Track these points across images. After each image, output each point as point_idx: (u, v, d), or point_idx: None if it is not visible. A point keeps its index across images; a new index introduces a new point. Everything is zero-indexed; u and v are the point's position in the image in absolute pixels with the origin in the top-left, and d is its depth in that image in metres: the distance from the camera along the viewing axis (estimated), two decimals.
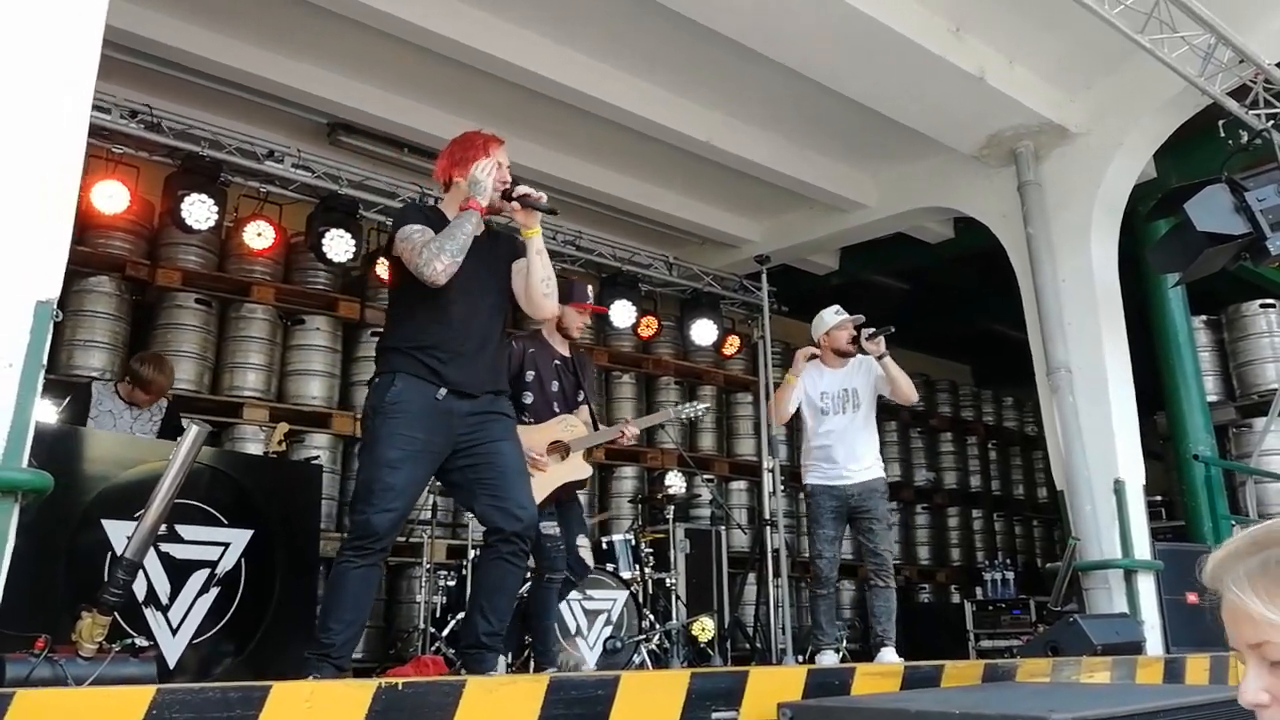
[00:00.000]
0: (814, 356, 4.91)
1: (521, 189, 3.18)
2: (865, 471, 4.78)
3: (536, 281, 3.18)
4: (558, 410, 4.21)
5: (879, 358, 4.75)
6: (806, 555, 8.41)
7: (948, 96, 5.79)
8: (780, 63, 5.46)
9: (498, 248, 3.27)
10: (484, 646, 3.06)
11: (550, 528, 4.04)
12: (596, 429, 4.36)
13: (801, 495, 8.60)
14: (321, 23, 5.31)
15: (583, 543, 4.23)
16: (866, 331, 4.77)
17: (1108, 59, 5.73)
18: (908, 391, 4.82)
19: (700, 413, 4.93)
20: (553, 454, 4.10)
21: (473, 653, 3.06)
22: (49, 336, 2.30)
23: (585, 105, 5.97)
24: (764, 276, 5.20)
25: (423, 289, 3.01)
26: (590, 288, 4.45)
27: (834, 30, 5.14)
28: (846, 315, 4.86)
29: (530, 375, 4.17)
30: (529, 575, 4.05)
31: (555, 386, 4.23)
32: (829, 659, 4.62)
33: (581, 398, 4.33)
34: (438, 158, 3.34)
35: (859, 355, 4.84)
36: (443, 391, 3.04)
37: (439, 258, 2.96)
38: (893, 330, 4.73)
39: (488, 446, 3.09)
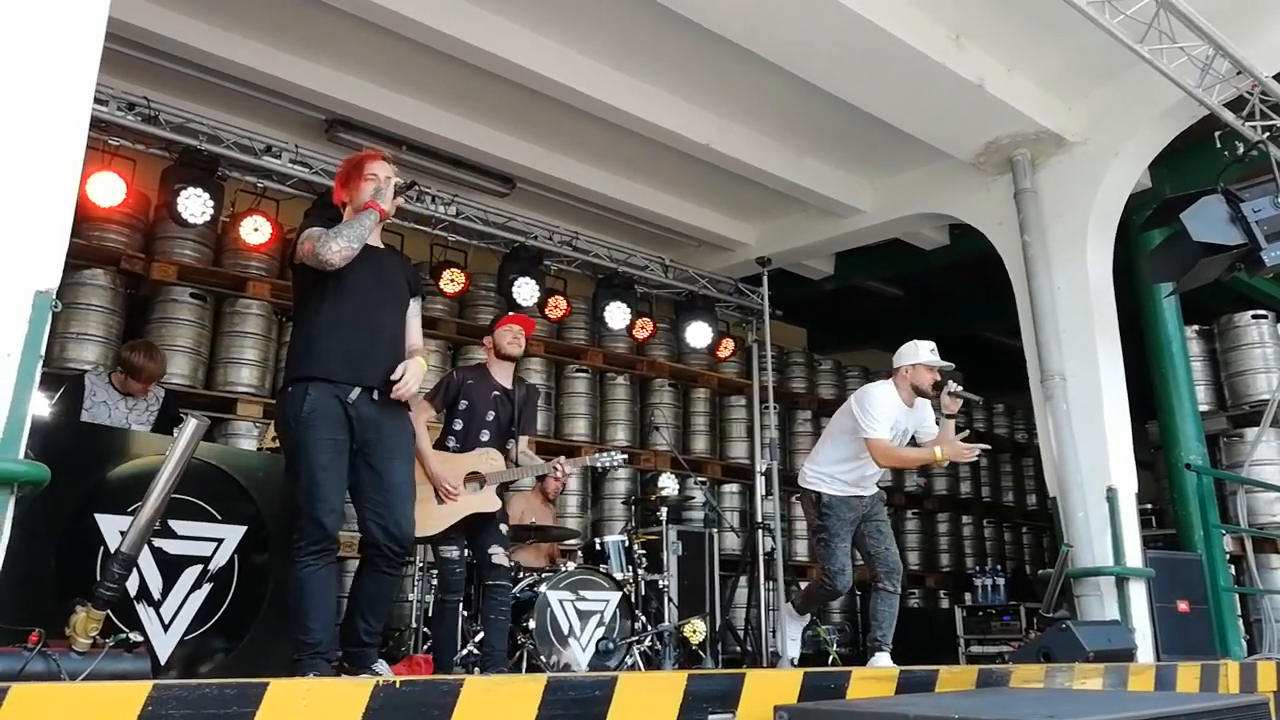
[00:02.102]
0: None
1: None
2: (875, 485, 4.87)
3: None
4: (485, 440, 4.38)
5: (949, 416, 4.64)
6: (799, 558, 8.45)
7: (946, 103, 5.80)
8: (780, 67, 5.47)
9: (394, 263, 3.51)
10: (366, 644, 3.29)
11: (450, 551, 4.28)
12: (528, 462, 4.51)
13: (795, 499, 8.68)
14: (322, 18, 5.30)
15: (495, 550, 4.28)
16: (953, 387, 4.59)
17: (1105, 69, 5.76)
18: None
19: (617, 463, 4.92)
20: (469, 484, 4.27)
21: (355, 651, 3.27)
22: (47, 327, 2.28)
23: (584, 106, 5.97)
24: (764, 279, 5.18)
25: (322, 296, 3.20)
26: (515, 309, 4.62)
27: (835, 36, 5.16)
28: (939, 360, 4.66)
29: (464, 404, 4.39)
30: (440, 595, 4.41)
31: (490, 416, 4.41)
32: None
33: (514, 430, 4.48)
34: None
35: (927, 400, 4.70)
36: (354, 393, 3.19)
37: (335, 240, 3.14)
38: (979, 401, 4.74)
39: (383, 463, 3.25)
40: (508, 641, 4.45)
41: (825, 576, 4.69)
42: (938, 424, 4.71)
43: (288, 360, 3.35)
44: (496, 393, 4.42)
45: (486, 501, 4.27)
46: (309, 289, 3.27)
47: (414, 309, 3.49)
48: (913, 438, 4.76)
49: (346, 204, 3.43)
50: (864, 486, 4.77)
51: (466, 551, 4.43)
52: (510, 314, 4.61)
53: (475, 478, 4.28)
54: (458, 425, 4.37)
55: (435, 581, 4.61)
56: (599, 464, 4.88)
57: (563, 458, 4.73)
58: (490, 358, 4.51)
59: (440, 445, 4.37)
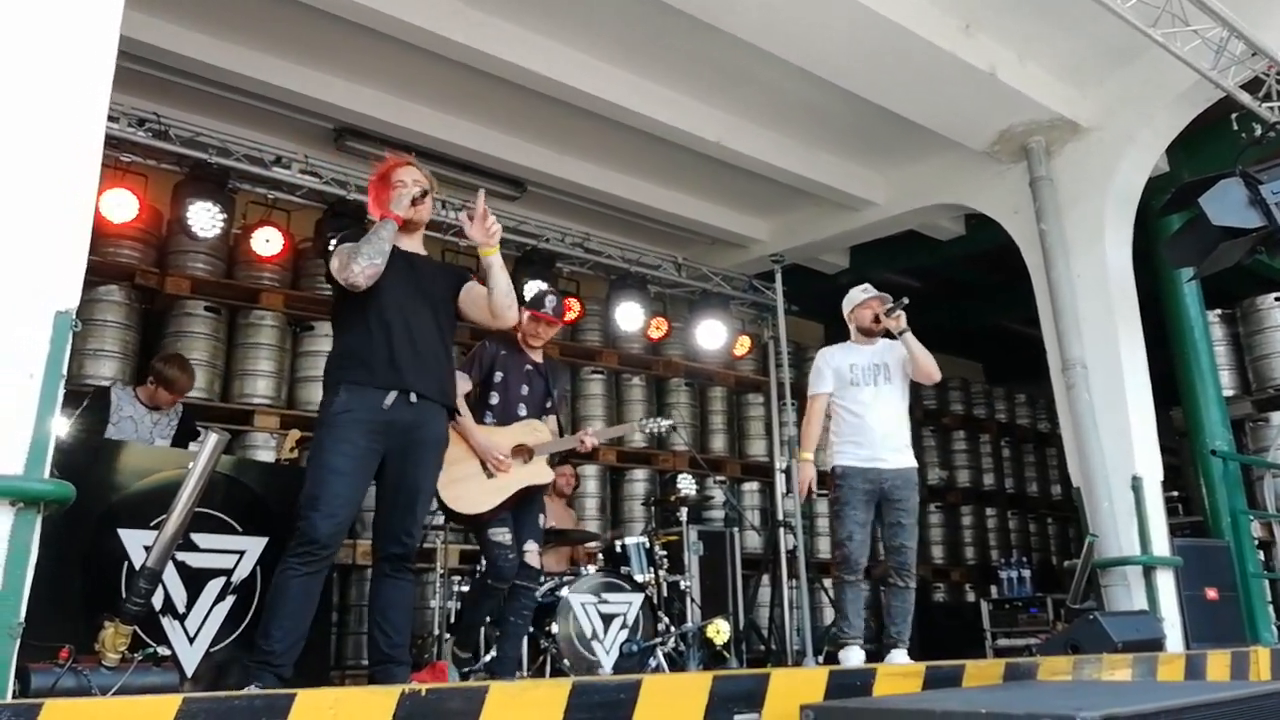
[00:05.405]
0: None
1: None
2: (900, 456, 4.50)
3: (500, 295, 3.33)
4: (523, 414, 4.18)
5: (900, 334, 4.57)
6: (822, 555, 8.41)
7: (958, 93, 5.76)
8: (790, 62, 5.44)
9: (434, 273, 3.46)
10: (391, 660, 3.14)
11: (501, 534, 4.00)
12: (561, 437, 4.33)
13: (816, 496, 8.62)
14: (328, 28, 5.31)
15: (530, 548, 4.10)
16: (884, 308, 4.59)
17: (1119, 54, 5.71)
18: (929, 368, 4.62)
19: (664, 429, 4.73)
20: (517, 457, 4.06)
21: (380, 668, 3.14)
22: (68, 347, 2.29)
23: (593, 107, 5.96)
24: (778, 276, 5.13)
25: (360, 309, 3.17)
26: (552, 299, 4.30)
27: (844, 29, 5.13)
28: (873, 294, 4.69)
29: (499, 377, 4.19)
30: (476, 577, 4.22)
31: (524, 390, 4.22)
32: (855, 656, 4.30)
33: (550, 405, 4.31)
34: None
35: (886, 338, 4.67)
36: (390, 398, 3.12)
37: (357, 260, 3.12)
38: (906, 302, 4.55)
39: (405, 469, 3.18)
40: (527, 649, 4.37)
41: (835, 549, 4.56)
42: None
43: (326, 369, 3.30)
44: (528, 367, 4.25)
45: (538, 473, 4.08)
46: (343, 298, 3.24)
47: (470, 284, 3.46)
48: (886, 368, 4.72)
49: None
50: (878, 449, 4.48)
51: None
52: (553, 314, 4.29)
53: (522, 450, 4.07)
54: (494, 399, 4.15)
55: (480, 567, 4.35)
56: (649, 428, 4.68)
57: (590, 427, 4.54)
58: (516, 335, 4.32)
59: (476, 421, 4.11)
